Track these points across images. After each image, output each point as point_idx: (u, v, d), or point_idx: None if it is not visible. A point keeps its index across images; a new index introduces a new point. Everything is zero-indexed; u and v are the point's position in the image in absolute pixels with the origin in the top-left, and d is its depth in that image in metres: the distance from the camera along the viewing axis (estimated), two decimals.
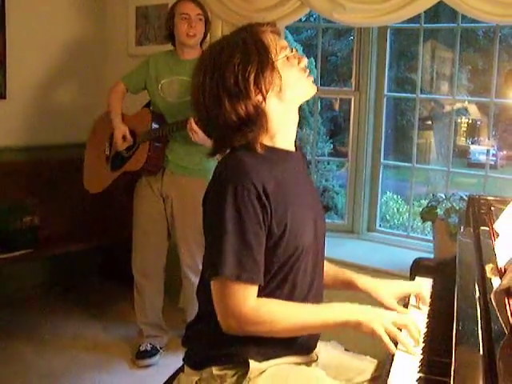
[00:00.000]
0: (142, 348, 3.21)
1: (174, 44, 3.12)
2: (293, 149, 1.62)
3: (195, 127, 2.71)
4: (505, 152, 5.45)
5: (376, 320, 1.48)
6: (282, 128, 1.56)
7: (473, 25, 3.44)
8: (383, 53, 3.50)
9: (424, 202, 4.01)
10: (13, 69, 3.70)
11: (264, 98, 1.48)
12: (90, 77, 4.18)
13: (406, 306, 1.81)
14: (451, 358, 1.21)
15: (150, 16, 3.96)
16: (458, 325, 1.32)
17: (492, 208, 2.18)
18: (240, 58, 1.47)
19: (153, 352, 3.20)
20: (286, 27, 3.40)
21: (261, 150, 1.51)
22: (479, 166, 5.66)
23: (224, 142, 1.55)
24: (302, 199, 1.58)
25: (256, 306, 1.44)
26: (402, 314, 1.62)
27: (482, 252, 1.76)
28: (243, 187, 1.42)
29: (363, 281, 1.80)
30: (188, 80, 3.03)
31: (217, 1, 3.41)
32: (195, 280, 3.05)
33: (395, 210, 4.93)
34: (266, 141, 1.55)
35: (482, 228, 2.02)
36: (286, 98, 1.54)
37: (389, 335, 1.47)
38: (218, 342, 1.55)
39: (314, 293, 1.62)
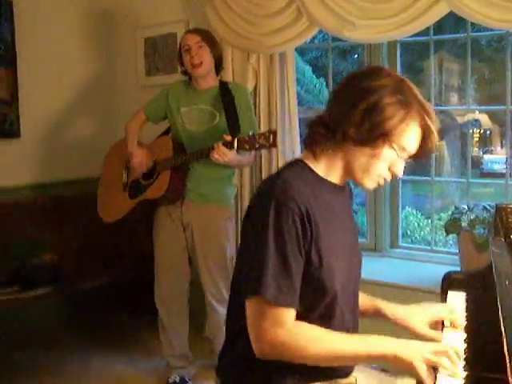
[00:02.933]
0: (171, 380, 3.16)
1: (190, 77, 3.11)
2: (340, 184, 1.61)
3: (223, 149, 2.71)
4: None
5: (414, 354, 1.40)
6: (336, 166, 1.56)
7: (482, 33, 3.43)
8: (394, 67, 3.48)
9: (443, 215, 3.96)
10: (25, 107, 3.72)
11: (368, 132, 1.47)
12: (102, 111, 4.20)
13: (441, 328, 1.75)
14: (498, 373, 1.17)
15: (158, 46, 3.98)
16: (508, 338, 1.28)
17: None
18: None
19: (182, 383, 3.16)
20: None
21: (316, 162, 1.54)
22: (492, 175, 5.59)
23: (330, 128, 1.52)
24: (340, 236, 1.56)
25: (290, 331, 1.41)
26: (439, 343, 1.56)
27: None
28: (287, 206, 1.40)
29: (392, 310, 1.75)
30: (206, 108, 3.02)
31: (223, 25, 3.43)
32: (220, 308, 3.02)
33: (415, 224, 4.88)
34: (319, 170, 1.55)
35: None
36: (356, 156, 1.53)
37: (431, 365, 1.40)
38: (253, 368, 1.52)
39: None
